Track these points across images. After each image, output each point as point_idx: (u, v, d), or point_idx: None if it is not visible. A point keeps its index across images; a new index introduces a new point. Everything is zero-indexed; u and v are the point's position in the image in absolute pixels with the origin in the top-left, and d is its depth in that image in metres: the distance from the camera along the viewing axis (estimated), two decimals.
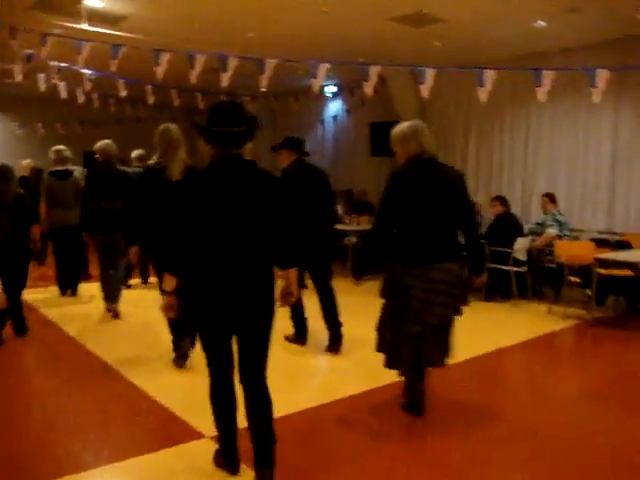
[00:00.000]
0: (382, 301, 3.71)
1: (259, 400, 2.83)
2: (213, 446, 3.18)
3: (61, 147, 6.81)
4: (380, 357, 3.77)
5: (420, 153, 3.60)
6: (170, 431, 3.51)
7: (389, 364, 3.74)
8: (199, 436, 3.40)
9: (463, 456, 3.25)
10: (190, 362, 4.54)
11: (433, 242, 3.54)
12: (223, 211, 2.70)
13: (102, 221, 5.85)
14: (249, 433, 2.85)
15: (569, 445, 3.43)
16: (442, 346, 3.66)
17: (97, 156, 6.06)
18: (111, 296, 6.10)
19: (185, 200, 2.72)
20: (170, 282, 2.79)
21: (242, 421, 2.91)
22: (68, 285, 6.96)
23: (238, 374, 2.87)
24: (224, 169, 2.75)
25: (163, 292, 2.86)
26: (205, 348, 2.88)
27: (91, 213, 5.92)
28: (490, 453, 3.32)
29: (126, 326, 5.86)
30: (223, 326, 2.82)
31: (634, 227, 8.35)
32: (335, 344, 5.05)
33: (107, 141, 6.12)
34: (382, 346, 3.72)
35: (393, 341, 3.62)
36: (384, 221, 3.57)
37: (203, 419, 3.42)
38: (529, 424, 3.72)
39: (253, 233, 2.75)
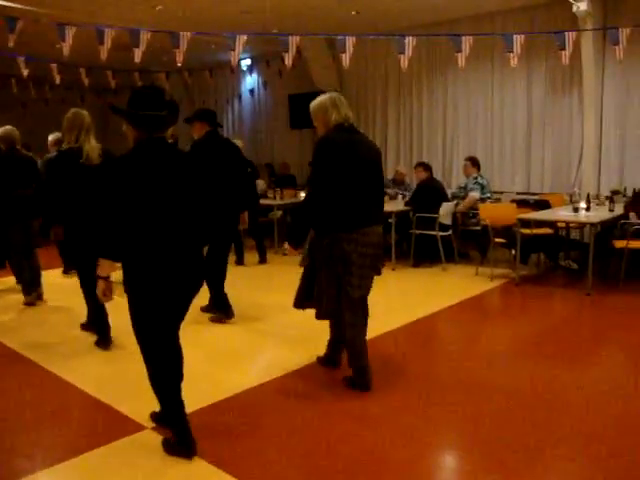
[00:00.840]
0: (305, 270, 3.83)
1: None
2: (156, 437, 3.05)
3: None
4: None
5: (342, 122, 3.57)
6: (107, 424, 3.32)
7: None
8: (140, 427, 3.25)
9: (409, 417, 3.28)
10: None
11: (366, 206, 3.60)
12: (156, 194, 2.72)
13: (18, 209, 5.60)
14: None
15: (507, 397, 3.53)
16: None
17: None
18: (29, 289, 5.80)
19: (117, 184, 2.71)
20: (105, 267, 2.75)
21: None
22: None
23: None
24: (152, 152, 2.78)
25: (98, 277, 2.78)
26: (153, 329, 2.86)
27: (5, 202, 5.61)
28: (432, 412, 3.37)
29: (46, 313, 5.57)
30: (174, 303, 2.89)
31: (549, 187, 8.70)
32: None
33: (8, 127, 5.81)
34: (322, 315, 3.76)
35: (334, 309, 3.64)
36: (319, 188, 3.52)
37: (138, 407, 3.33)
38: (465, 382, 3.79)
39: (183, 213, 2.82)
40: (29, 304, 5.80)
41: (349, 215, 3.52)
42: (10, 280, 6.38)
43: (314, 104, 3.70)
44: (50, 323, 5.29)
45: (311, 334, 4.39)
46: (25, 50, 7.95)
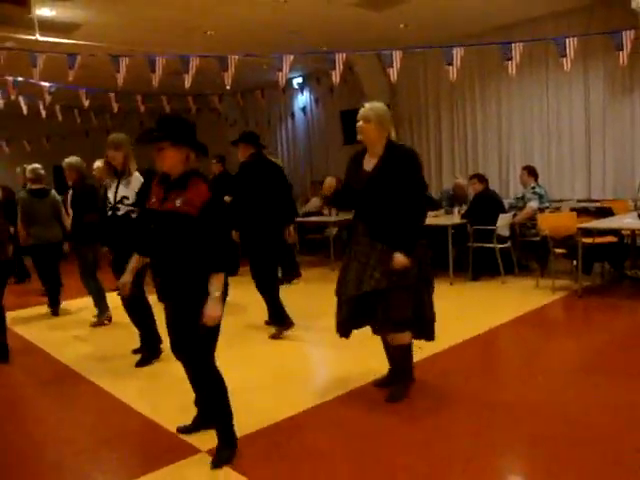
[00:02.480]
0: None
1: None
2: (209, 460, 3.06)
3: (36, 166, 6.79)
4: None
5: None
6: (161, 447, 3.35)
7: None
8: (195, 451, 3.27)
9: (468, 440, 3.17)
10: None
11: None
12: None
13: (88, 233, 6.00)
14: None
15: (573, 419, 3.36)
16: None
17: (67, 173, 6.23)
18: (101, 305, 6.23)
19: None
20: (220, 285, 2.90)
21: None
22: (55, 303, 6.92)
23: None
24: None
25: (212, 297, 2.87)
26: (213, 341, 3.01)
27: (80, 227, 6.11)
28: (494, 434, 3.25)
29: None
30: None
31: (612, 193, 8.36)
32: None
33: (77, 158, 6.25)
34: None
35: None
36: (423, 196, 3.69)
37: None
38: (530, 402, 3.65)
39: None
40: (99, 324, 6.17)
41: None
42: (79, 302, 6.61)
43: (380, 108, 3.69)
44: (114, 342, 5.44)
45: (362, 353, 4.34)
46: (86, 82, 8.29)
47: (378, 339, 3.87)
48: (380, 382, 4.00)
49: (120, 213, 4.68)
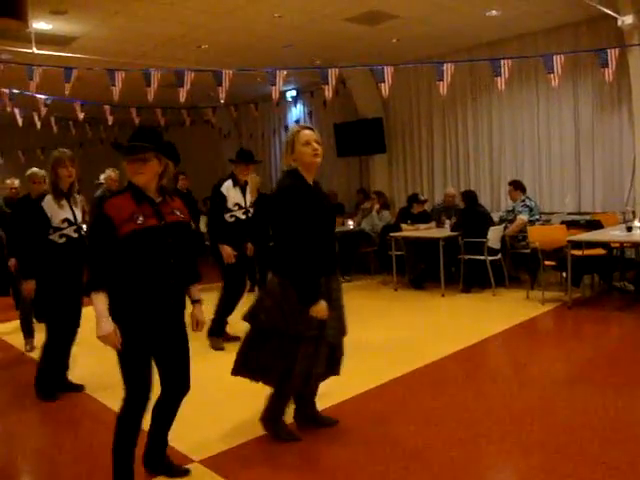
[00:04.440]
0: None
1: None
2: (204, 471, 3.10)
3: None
4: None
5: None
6: None
7: None
8: (188, 460, 3.30)
9: (456, 450, 3.22)
10: None
11: None
12: None
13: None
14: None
15: (561, 430, 3.42)
16: None
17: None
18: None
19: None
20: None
21: None
22: None
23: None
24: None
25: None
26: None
27: None
28: (483, 445, 3.29)
29: None
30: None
31: (601, 206, 8.47)
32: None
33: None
34: None
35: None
36: None
37: (186, 441, 3.38)
38: (519, 412, 3.70)
39: None
40: None
41: None
42: None
43: None
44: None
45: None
46: (81, 94, 8.37)
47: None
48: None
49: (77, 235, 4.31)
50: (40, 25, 6.80)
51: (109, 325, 2.66)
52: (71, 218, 4.27)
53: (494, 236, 7.33)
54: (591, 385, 4.20)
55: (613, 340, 5.55)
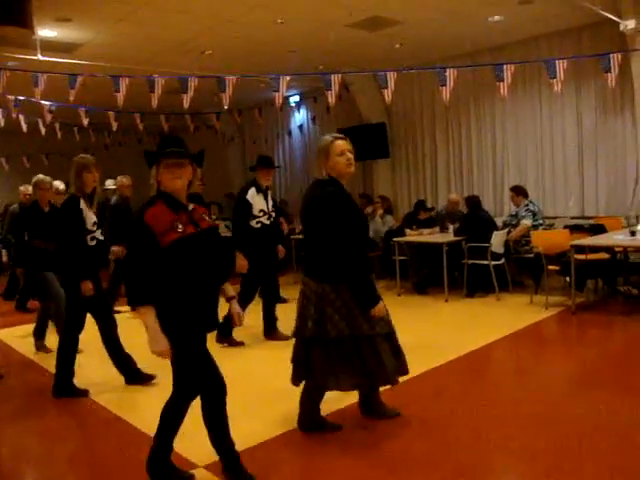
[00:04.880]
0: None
1: None
2: (210, 477, 3.11)
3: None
4: None
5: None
6: None
7: None
8: (192, 466, 3.30)
9: (463, 455, 3.22)
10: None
11: None
12: None
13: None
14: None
15: (567, 434, 3.42)
16: None
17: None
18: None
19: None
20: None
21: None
22: None
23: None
24: None
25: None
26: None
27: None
28: (489, 449, 3.30)
29: None
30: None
31: (605, 210, 8.46)
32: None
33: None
34: None
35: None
36: None
37: (189, 445, 3.36)
38: (524, 417, 3.70)
39: None
40: None
41: None
42: None
43: None
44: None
45: None
46: (85, 101, 8.41)
47: None
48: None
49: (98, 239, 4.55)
50: (45, 32, 6.85)
51: (164, 341, 2.73)
52: (96, 221, 4.50)
53: (497, 241, 7.33)
54: (596, 389, 4.19)
55: (617, 344, 5.54)
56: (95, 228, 4.47)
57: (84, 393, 4.49)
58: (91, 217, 4.45)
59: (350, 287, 3.30)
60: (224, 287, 3.08)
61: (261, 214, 5.69)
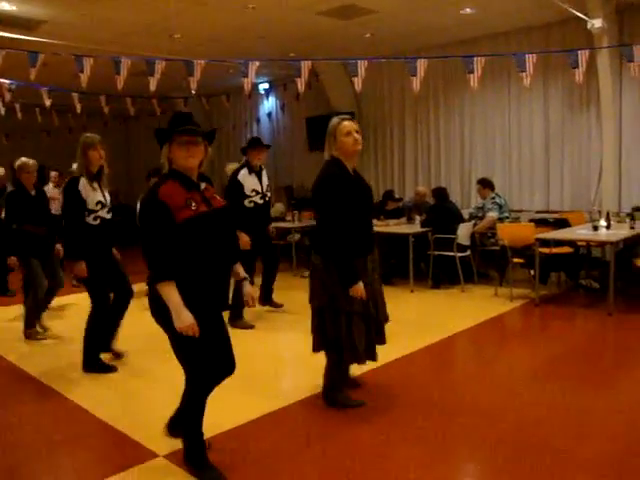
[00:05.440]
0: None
1: None
2: (168, 465, 3.05)
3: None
4: None
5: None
6: (120, 452, 3.32)
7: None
8: (153, 455, 3.24)
9: (424, 446, 3.23)
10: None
11: None
12: None
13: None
14: None
15: (526, 425, 3.45)
16: None
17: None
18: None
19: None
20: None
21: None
22: None
23: None
24: None
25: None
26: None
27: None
28: (450, 440, 3.31)
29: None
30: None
31: (569, 205, 8.59)
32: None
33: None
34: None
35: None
36: None
37: (151, 436, 3.32)
38: (485, 408, 3.73)
39: None
40: None
41: None
42: None
43: None
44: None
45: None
46: (48, 81, 8.16)
47: None
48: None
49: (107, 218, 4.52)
50: (2, 6, 6.59)
51: (189, 316, 2.65)
52: (103, 200, 4.46)
53: (463, 233, 7.38)
54: (558, 380, 4.25)
55: (579, 336, 5.64)
56: (99, 207, 4.41)
57: (113, 369, 4.57)
58: (94, 197, 4.39)
59: (334, 264, 3.51)
60: (236, 268, 3.05)
61: (253, 194, 5.88)
